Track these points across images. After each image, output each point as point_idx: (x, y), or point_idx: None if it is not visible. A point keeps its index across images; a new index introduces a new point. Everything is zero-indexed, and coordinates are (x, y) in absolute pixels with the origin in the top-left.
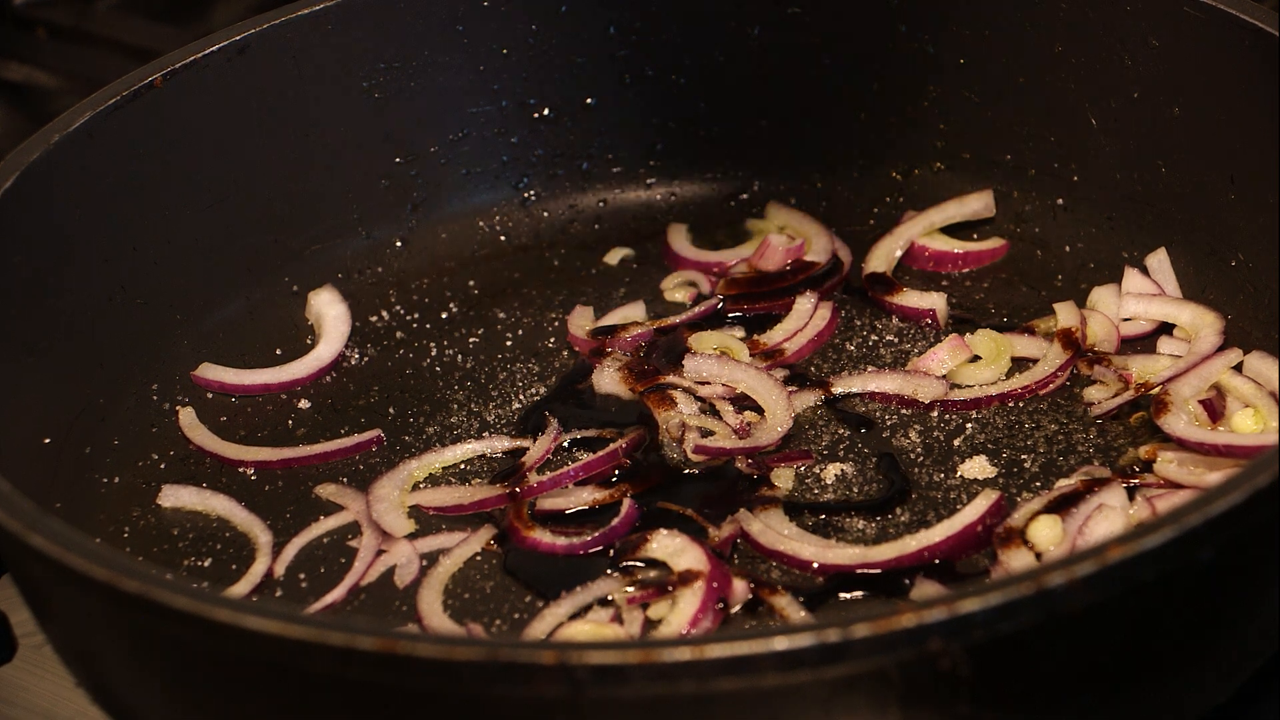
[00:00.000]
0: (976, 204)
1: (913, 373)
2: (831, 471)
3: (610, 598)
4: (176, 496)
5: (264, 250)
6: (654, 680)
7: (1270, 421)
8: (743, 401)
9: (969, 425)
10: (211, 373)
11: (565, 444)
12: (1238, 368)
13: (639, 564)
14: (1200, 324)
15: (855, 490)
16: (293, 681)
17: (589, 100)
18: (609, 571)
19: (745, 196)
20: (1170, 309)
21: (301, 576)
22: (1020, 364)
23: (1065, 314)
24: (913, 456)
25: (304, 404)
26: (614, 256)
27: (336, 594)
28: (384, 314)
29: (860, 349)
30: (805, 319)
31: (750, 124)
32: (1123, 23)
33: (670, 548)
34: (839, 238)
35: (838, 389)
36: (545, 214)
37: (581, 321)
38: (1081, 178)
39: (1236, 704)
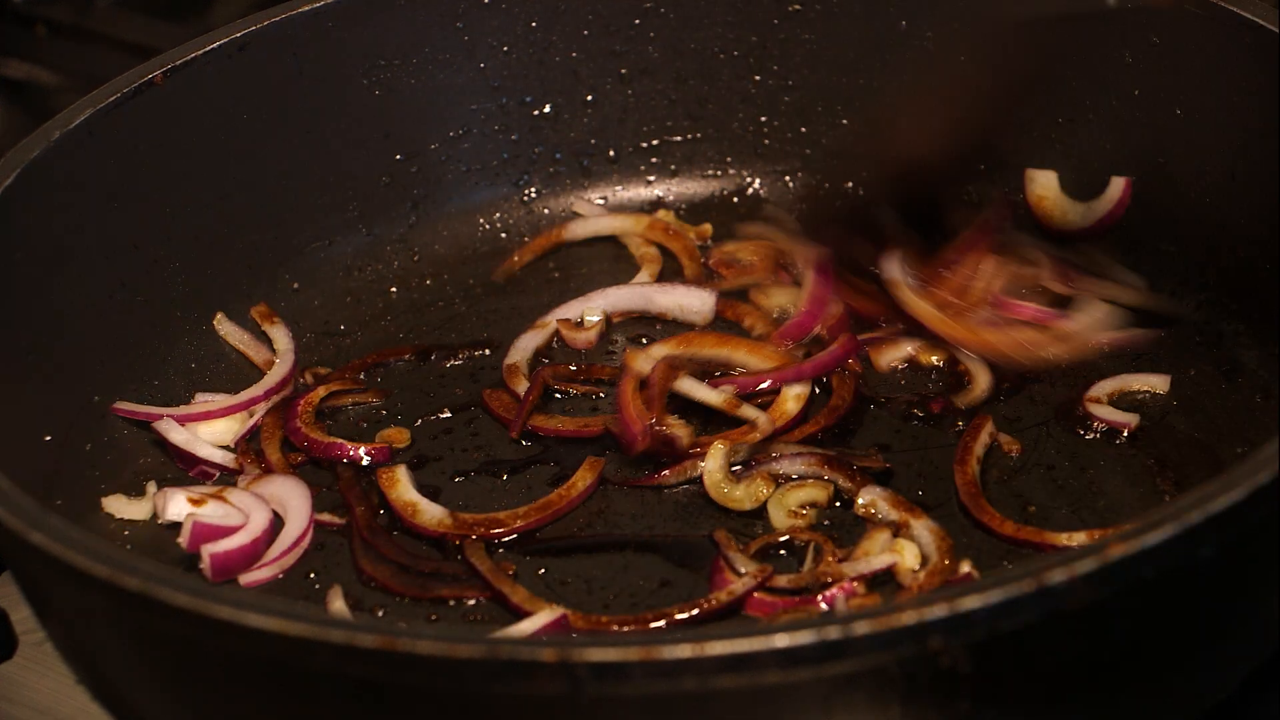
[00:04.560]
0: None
1: None
2: None
3: None
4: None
5: (264, 248)
6: (655, 678)
7: None
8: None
9: None
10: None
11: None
12: None
13: None
14: None
15: None
16: (293, 678)
17: (589, 97)
18: None
19: (747, 194)
20: None
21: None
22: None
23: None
24: None
25: None
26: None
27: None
28: (385, 312)
29: None
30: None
31: (750, 121)
32: (1123, 20)
33: None
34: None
35: None
36: (546, 211)
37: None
38: (1082, 177)
39: (1237, 703)
